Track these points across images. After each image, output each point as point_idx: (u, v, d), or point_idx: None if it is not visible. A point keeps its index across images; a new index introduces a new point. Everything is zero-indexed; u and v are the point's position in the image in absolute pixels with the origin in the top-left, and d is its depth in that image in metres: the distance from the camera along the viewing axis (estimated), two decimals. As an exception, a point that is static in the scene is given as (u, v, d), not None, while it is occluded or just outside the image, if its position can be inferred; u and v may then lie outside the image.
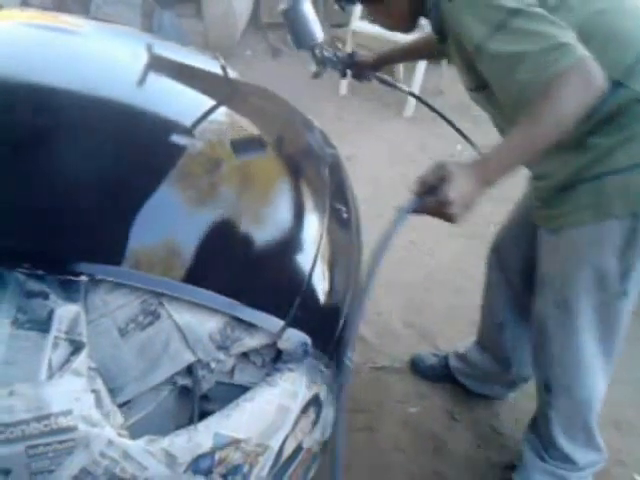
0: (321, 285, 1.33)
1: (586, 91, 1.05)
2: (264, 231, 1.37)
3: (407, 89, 1.92)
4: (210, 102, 1.70)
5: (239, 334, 1.14)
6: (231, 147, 1.49)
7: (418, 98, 1.94)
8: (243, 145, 1.52)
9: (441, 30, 1.31)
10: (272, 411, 1.09)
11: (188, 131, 1.52)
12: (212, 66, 2.05)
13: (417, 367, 2.07)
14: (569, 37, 1.08)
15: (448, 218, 1.12)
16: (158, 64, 1.81)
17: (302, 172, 1.66)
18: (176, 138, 1.47)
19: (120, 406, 1.04)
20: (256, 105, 1.95)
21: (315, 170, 1.71)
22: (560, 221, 1.33)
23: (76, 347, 0.96)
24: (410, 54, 1.91)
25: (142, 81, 1.68)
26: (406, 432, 1.80)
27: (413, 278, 2.48)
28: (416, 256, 2.61)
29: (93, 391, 0.96)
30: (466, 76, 1.35)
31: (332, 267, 1.40)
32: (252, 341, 1.15)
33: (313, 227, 1.43)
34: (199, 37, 4.85)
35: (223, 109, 1.72)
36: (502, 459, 1.75)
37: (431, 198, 1.12)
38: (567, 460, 1.53)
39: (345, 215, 1.62)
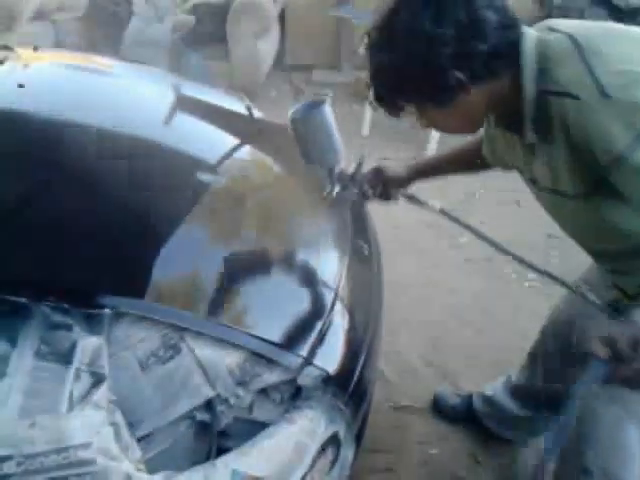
0: (341, 322, 1.33)
1: None
2: (286, 267, 1.39)
3: (438, 207, 1.47)
4: (234, 141, 1.75)
5: (259, 370, 1.14)
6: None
7: (449, 216, 1.48)
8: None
9: (545, 130, 1.08)
10: (290, 449, 1.08)
11: (212, 168, 1.55)
12: (237, 106, 2.11)
13: (439, 406, 2.03)
14: None
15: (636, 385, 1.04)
16: (185, 104, 1.87)
17: (324, 209, 1.68)
18: (200, 175, 1.50)
19: (138, 440, 1.04)
20: (279, 143, 1.98)
21: (336, 208, 1.72)
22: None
23: (97, 379, 0.97)
24: (452, 165, 1.58)
25: (169, 120, 1.74)
26: (426, 474, 1.77)
27: (434, 316, 2.46)
28: (437, 294, 2.59)
29: (112, 424, 0.96)
30: (569, 181, 1.10)
31: (352, 304, 1.40)
32: (271, 377, 1.15)
33: (334, 263, 1.44)
34: (225, 79, 4.96)
35: (247, 147, 1.76)
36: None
37: (628, 367, 1.00)
38: None
39: (366, 252, 1.62)
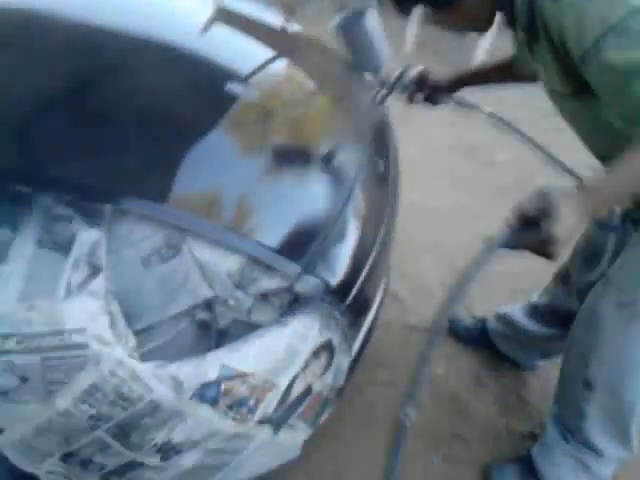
0: (345, 235, 1.33)
1: None
2: (292, 175, 1.39)
3: (488, 110, 1.58)
4: (269, 53, 1.71)
5: (257, 275, 1.16)
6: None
7: (502, 121, 1.57)
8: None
9: (531, 29, 1.13)
10: (280, 350, 1.12)
11: (244, 79, 1.53)
12: (274, 19, 2.05)
13: (452, 326, 2.05)
14: None
15: (548, 256, 0.99)
16: (220, 14, 1.82)
17: (344, 124, 1.65)
18: (231, 85, 1.48)
19: (139, 332, 1.09)
20: (313, 59, 1.94)
21: (358, 124, 1.69)
22: None
23: (95, 270, 1.01)
24: (493, 75, 1.60)
25: (203, 29, 1.70)
26: (429, 392, 1.81)
27: (456, 241, 2.44)
28: (463, 220, 2.57)
29: (108, 313, 1.00)
30: (559, 80, 1.14)
31: (360, 219, 1.40)
32: (270, 283, 1.17)
33: (343, 176, 1.43)
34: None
35: (281, 61, 1.72)
36: (523, 428, 1.73)
37: (531, 234, 0.98)
38: (593, 448, 1.48)
39: (382, 170, 1.60)
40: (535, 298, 1.83)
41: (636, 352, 1.33)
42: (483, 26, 1.24)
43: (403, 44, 4.27)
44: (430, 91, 1.62)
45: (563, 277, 1.72)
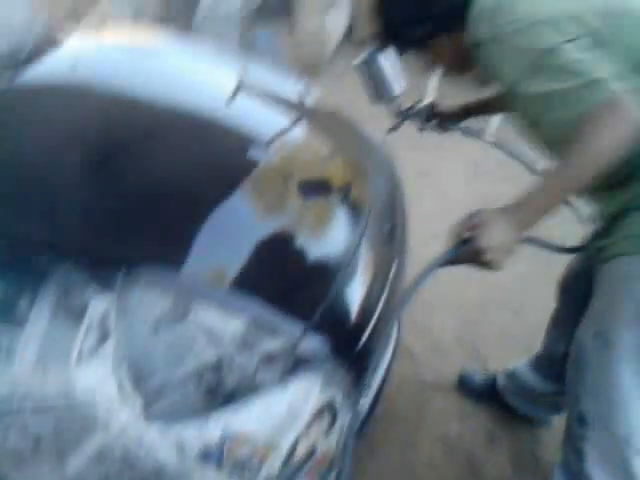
0: (349, 294, 1.38)
1: (619, 129, 1.04)
2: (298, 239, 1.45)
3: (492, 139, 1.84)
4: (286, 122, 1.81)
5: (261, 336, 1.21)
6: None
7: (505, 150, 1.79)
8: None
9: (485, 73, 1.33)
10: (282, 411, 1.16)
11: (263, 146, 1.62)
12: (293, 88, 2.16)
13: (463, 383, 2.06)
14: (604, 71, 1.08)
15: (486, 265, 1.15)
16: (242, 84, 1.93)
17: (350, 186, 1.72)
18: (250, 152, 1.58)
19: (148, 394, 1.14)
20: (328, 127, 2.03)
21: (364, 185, 1.76)
22: (609, 251, 1.30)
23: (105, 335, 1.07)
24: (498, 104, 1.73)
25: (225, 99, 1.81)
26: (442, 449, 1.81)
27: (472, 296, 2.46)
28: (478, 274, 2.57)
29: (117, 377, 1.06)
30: (513, 116, 1.36)
31: (364, 279, 1.45)
32: (273, 344, 1.22)
33: (349, 239, 1.49)
34: (292, 52, 5.01)
35: (298, 129, 1.82)
36: (538, 485, 1.72)
37: (466, 249, 1.15)
38: None
39: (387, 229, 1.66)
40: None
41: (619, 382, 1.33)
42: (467, 65, 1.41)
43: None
44: (439, 120, 1.81)
45: (555, 320, 1.78)
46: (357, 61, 1.65)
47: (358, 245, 1.47)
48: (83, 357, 1.03)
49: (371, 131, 2.15)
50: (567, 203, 1.46)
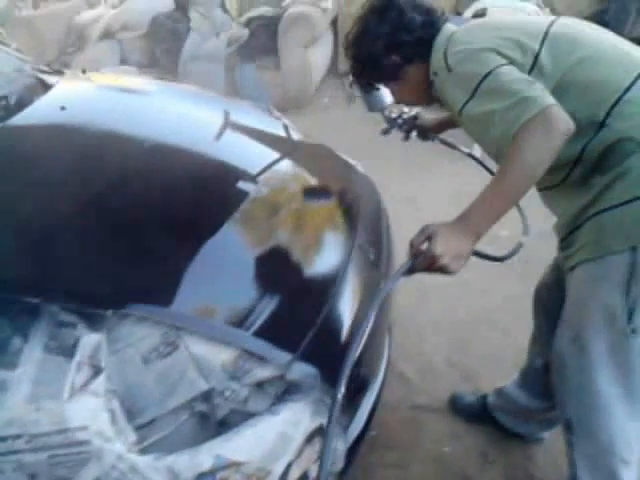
0: (335, 322, 1.41)
1: (548, 137, 1.15)
2: (287, 269, 1.49)
3: (467, 150, 1.99)
4: (274, 155, 1.86)
5: (250, 365, 1.24)
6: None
7: (477, 160, 1.98)
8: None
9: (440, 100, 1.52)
10: (273, 438, 1.18)
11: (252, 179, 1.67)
12: (275, 125, 2.22)
13: (454, 404, 2.08)
14: (534, 89, 1.20)
15: (443, 270, 1.25)
16: (227, 124, 1.98)
17: (334, 216, 1.77)
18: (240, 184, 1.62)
19: (141, 426, 1.17)
20: (314, 158, 2.09)
21: (349, 215, 1.80)
22: (572, 260, 1.37)
23: (96, 371, 1.10)
24: None
25: (212, 138, 1.86)
26: (437, 471, 1.82)
27: (462, 317, 2.49)
28: (467, 295, 2.62)
29: (109, 410, 1.09)
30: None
31: (350, 306, 1.48)
32: (263, 372, 1.25)
33: (333, 268, 1.53)
34: (278, 88, 5.11)
35: (285, 161, 1.87)
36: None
37: (422, 258, 1.26)
38: None
39: (372, 257, 1.70)
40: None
41: (596, 388, 1.36)
42: (426, 100, 1.61)
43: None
44: (420, 130, 2.00)
45: (534, 334, 1.84)
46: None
47: (345, 272, 1.51)
48: (75, 392, 1.06)
49: (356, 160, 2.21)
50: (518, 208, 1.64)
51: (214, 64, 5.12)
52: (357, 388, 1.46)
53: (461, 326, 2.44)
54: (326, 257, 1.56)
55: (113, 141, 1.70)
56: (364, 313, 1.27)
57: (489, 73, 1.25)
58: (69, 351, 1.09)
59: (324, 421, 1.28)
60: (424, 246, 1.26)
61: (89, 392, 1.07)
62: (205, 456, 1.11)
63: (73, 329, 1.12)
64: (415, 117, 2.00)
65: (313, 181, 1.88)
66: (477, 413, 2.02)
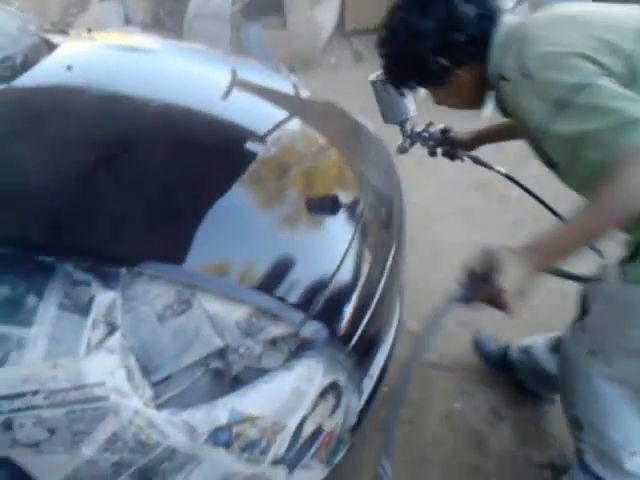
0: (348, 281, 1.41)
1: None
2: (298, 229, 1.48)
3: (503, 171, 1.73)
4: (282, 114, 1.84)
5: (264, 323, 1.25)
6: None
7: (516, 182, 1.73)
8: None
9: (504, 107, 1.30)
10: (287, 393, 1.20)
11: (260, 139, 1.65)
12: (283, 84, 2.19)
13: (477, 347, 2.09)
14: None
15: (502, 307, 1.08)
16: (235, 82, 1.96)
17: (345, 176, 1.76)
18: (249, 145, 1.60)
19: (157, 383, 1.18)
20: (323, 116, 2.06)
21: (359, 174, 1.79)
22: (631, 275, 1.22)
23: (112, 329, 1.11)
24: (510, 132, 1.66)
25: (219, 96, 1.84)
26: (448, 427, 1.84)
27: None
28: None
29: (125, 367, 1.10)
30: (535, 152, 1.28)
31: (362, 265, 1.48)
32: (276, 330, 1.26)
33: (346, 227, 1.52)
34: (284, 47, 5.03)
35: (293, 121, 1.85)
36: (542, 458, 1.75)
37: (482, 288, 1.08)
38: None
39: (384, 216, 1.69)
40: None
41: (609, 395, 1.35)
42: (476, 103, 1.38)
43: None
44: (449, 147, 1.78)
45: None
46: (373, 77, 1.64)
47: (356, 232, 1.50)
48: (92, 349, 1.07)
49: (366, 119, 2.18)
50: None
51: (219, 23, 5.04)
52: (370, 346, 1.47)
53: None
54: (337, 217, 1.55)
55: (121, 100, 1.68)
56: (414, 349, 1.18)
57: (585, 85, 1.04)
58: (84, 309, 1.10)
59: (337, 377, 1.30)
60: (484, 273, 1.08)
61: (105, 349, 1.07)
62: (221, 411, 1.13)
63: (88, 287, 1.12)
64: (445, 130, 1.78)
65: (322, 140, 1.85)
66: (497, 363, 2.01)
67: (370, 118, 2.15)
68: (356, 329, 1.36)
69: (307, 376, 1.23)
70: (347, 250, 1.46)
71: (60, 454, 1.06)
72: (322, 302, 1.32)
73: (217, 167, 1.52)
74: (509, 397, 1.95)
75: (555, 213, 1.65)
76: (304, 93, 2.15)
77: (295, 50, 5.01)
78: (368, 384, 1.49)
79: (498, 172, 1.74)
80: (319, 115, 2.06)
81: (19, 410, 1.04)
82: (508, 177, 1.74)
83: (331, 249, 1.45)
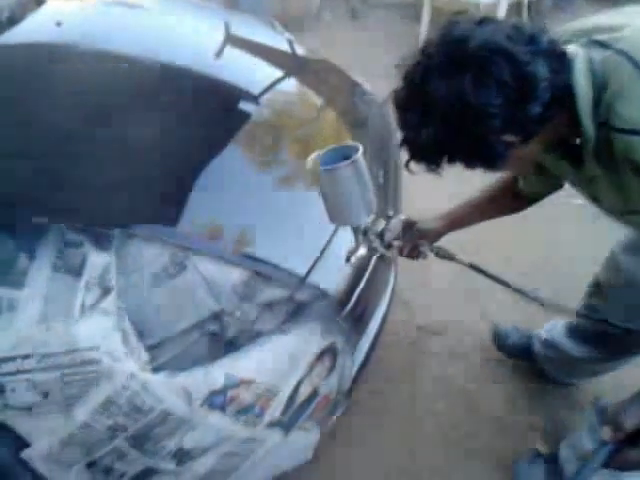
0: (344, 244, 1.39)
1: None
2: (290, 192, 1.46)
3: (467, 262, 1.32)
4: (275, 74, 1.78)
5: (260, 286, 1.23)
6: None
7: (481, 271, 1.32)
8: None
9: (608, 161, 1.02)
10: (283, 356, 1.19)
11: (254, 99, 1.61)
12: (278, 40, 2.12)
13: (498, 342, 1.98)
14: None
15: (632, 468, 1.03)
16: (229, 40, 1.89)
17: (341, 137, 1.72)
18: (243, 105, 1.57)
19: (152, 347, 1.17)
20: (317, 77, 2.01)
21: (356, 136, 1.75)
22: None
23: (106, 291, 1.08)
24: (486, 209, 1.48)
25: (214, 54, 1.78)
26: (440, 390, 1.85)
27: (465, 239, 2.46)
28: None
29: (120, 330, 1.08)
30: (619, 201, 1.10)
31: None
32: (272, 293, 1.24)
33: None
34: (277, 3, 4.90)
35: (288, 81, 1.80)
36: (533, 421, 1.77)
37: (634, 452, 1.02)
38: None
39: (381, 180, 1.66)
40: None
41: None
42: (530, 169, 1.21)
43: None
44: (414, 245, 1.42)
45: (595, 289, 1.63)
46: (314, 157, 1.20)
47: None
48: (85, 312, 1.05)
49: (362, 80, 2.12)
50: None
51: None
52: (365, 311, 1.46)
53: (465, 255, 2.41)
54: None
55: (112, 58, 1.62)
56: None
57: None
58: (77, 270, 1.07)
59: (334, 340, 1.29)
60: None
61: (99, 312, 1.05)
62: (216, 375, 1.12)
63: (80, 248, 1.09)
64: (410, 224, 1.42)
65: (318, 100, 1.81)
66: (521, 353, 1.93)
67: (366, 77, 2.10)
68: (352, 293, 1.35)
69: (304, 339, 1.22)
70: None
71: (54, 418, 1.05)
72: (318, 265, 1.30)
73: (211, 127, 1.48)
74: (501, 361, 1.96)
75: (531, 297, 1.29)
76: (299, 50, 2.09)
77: (289, 6, 4.89)
78: (362, 350, 1.48)
79: (464, 264, 1.33)
80: (315, 73, 2.01)
81: (11, 374, 1.02)
82: (476, 268, 1.33)
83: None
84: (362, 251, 1.33)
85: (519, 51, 0.90)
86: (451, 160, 1.02)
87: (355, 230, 1.36)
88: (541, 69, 0.91)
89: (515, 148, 0.98)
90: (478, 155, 1.00)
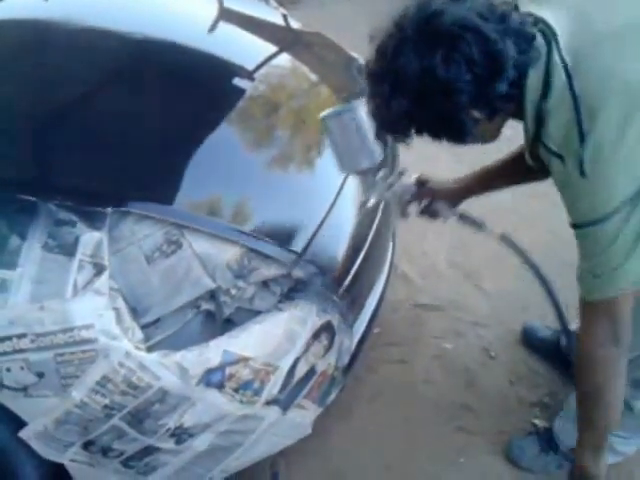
0: (340, 222, 1.38)
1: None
2: (289, 169, 1.44)
3: (496, 233, 1.35)
4: (270, 49, 1.76)
5: (256, 264, 1.22)
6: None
7: (508, 241, 1.34)
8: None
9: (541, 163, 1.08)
10: (280, 334, 1.18)
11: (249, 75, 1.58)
12: (273, 15, 2.09)
13: (528, 339, 1.94)
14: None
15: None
16: (223, 14, 1.86)
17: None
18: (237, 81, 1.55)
19: (148, 325, 1.16)
20: (312, 51, 1.98)
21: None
22: None
23: (99, 270, 1.07)
24: (503, 175, 1.45)
25: (207, 29, 1.75)
26: (439, 366, 1.85)
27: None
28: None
29: (114, 309, 1.07)
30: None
31: (353, 207, 1.45)
32: (268, 271, 1.23)
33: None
34: (270, -20, 4.83)
35: (283, 56, 1.77)
36: (532, 397, 1.77)
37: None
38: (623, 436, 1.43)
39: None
40: None
41: None
42: (494, 139, 1.17)
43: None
44: (429, 202, 1.42)
45: None
46: (324, 113, 1.23)
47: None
48: (79, 291, 1.04)
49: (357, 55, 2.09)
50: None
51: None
52: (362, 288, 1.46)
53: (461, 230, 2.40)
54: (329, 156, 1.50)
55: (102, 33, 1.59)
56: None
57: (607, 215, 0.96)
58: (69, 249, 1.06)
59: (330, 318, 1.28)
60: None
61: (93, 290, 1.04)
62: (213, 352, 1.11)
63: (72, 227, 1.08)
64: (422, 181, 1.42)
65: (314, 75, 1.78)
66: (551, 350, 1.86)
67: (361, 53, 2.07)
68: (349, 270, 1.34)
69: (300, 317, 1.21)
70: (340, 190, 1.42)
71: (50, 398, 1.05)
72: (314, 243, 1.29)
73: (205, 103, 1.45)
74: (500, 337, 1.95)
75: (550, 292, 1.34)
76: (294, 25, 2.06)
77: (282, -16, 4.82)
78: (360, 326, 1.48)
79: (492, 235, 1.36)
80: (310, 48, 1.98)
81: (5, 354, 1.02)
82: (506, 240, 1.35)
83: (324, 189, 1.41)
84: (372, 200, 1.37)
85: (490, 29, 0.92)
86: (419, 132, 1.05)
87: (365, 180, 1.41)
88: (510, 48, 0.93)
89: (480, 123, 1.01)
90: (445, 129, 1.03)
